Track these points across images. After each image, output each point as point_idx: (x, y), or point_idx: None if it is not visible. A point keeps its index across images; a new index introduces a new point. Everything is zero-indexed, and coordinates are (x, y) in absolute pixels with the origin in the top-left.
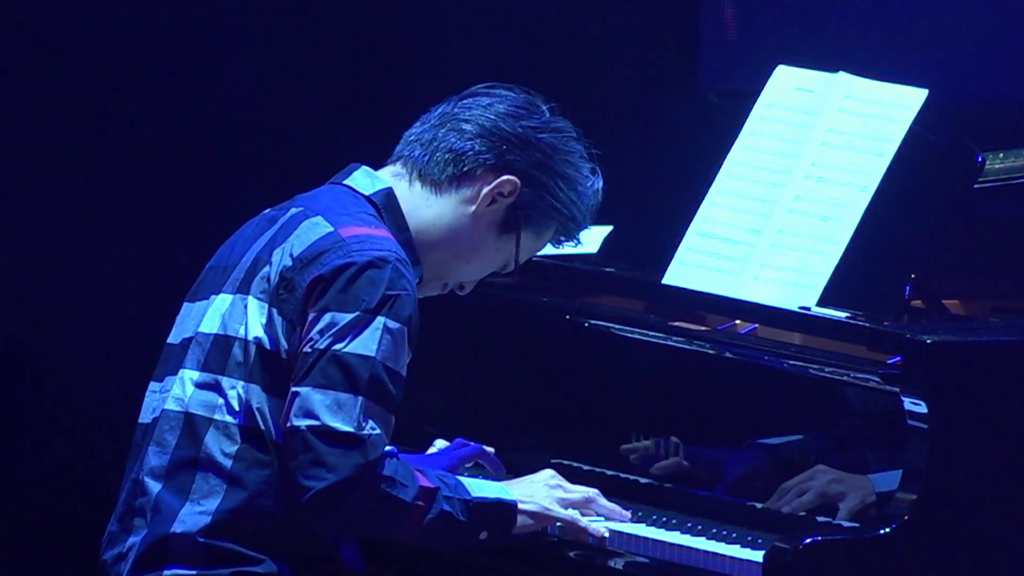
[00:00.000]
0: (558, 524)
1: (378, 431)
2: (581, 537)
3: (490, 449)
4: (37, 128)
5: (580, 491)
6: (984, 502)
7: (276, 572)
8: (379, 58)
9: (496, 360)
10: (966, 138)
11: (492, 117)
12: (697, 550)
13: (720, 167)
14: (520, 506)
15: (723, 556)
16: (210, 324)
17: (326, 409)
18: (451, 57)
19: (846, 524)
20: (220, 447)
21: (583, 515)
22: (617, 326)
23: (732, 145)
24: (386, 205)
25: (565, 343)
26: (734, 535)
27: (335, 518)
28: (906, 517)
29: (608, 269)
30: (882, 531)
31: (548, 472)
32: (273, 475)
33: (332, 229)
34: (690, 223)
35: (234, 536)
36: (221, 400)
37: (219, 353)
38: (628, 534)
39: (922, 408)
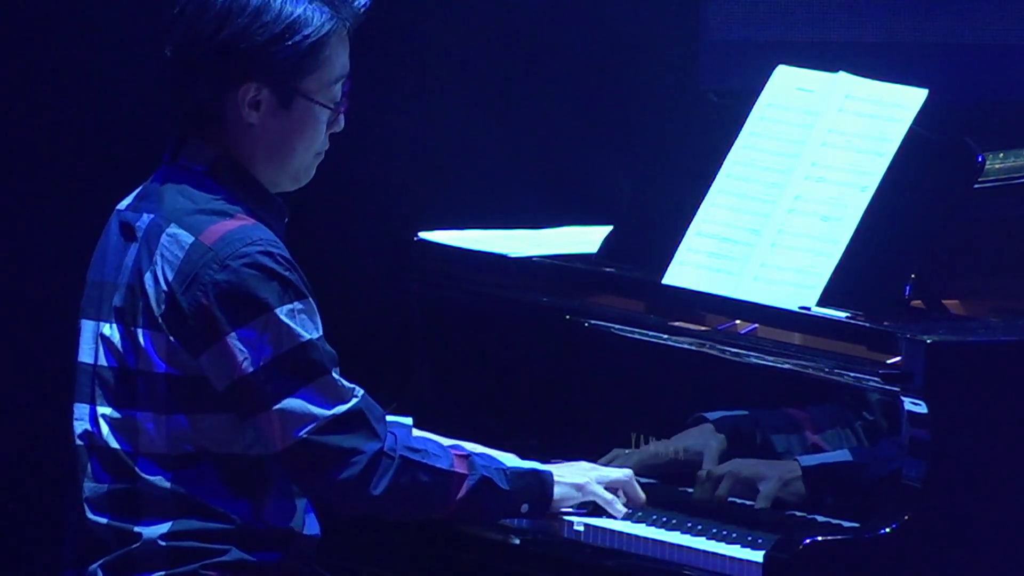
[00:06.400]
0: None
1: (358, 389)
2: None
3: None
4: None
5: (617, 471)
6: (984, 502)
7: (243, 559)
8: (380, 56)
9: (496, 360)
10: (966, 138)
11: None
12: (697, 550)
13: (720, 167)
14: (557, 478)
15: (723, 556)
16: (105, 355)
17: (313, 405)
18: (451, 56)
19: (846, 524)
20: (154, 476)
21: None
22: (617, 326)
23: (732, 145)
24: (222, 174)
25: (565, 343)
26: (734, 535)
27: (382, 498)
28: (906, 517)
29: (608, 269)
30: (882, 531)
31: (585, 463)
32: (214, 488)
33: (193, 239)
34: (690, 223)
35: (194, 536)
36: (141, 432)
37: (125, 388)
38: (628, 534)
39: (922, 408)
